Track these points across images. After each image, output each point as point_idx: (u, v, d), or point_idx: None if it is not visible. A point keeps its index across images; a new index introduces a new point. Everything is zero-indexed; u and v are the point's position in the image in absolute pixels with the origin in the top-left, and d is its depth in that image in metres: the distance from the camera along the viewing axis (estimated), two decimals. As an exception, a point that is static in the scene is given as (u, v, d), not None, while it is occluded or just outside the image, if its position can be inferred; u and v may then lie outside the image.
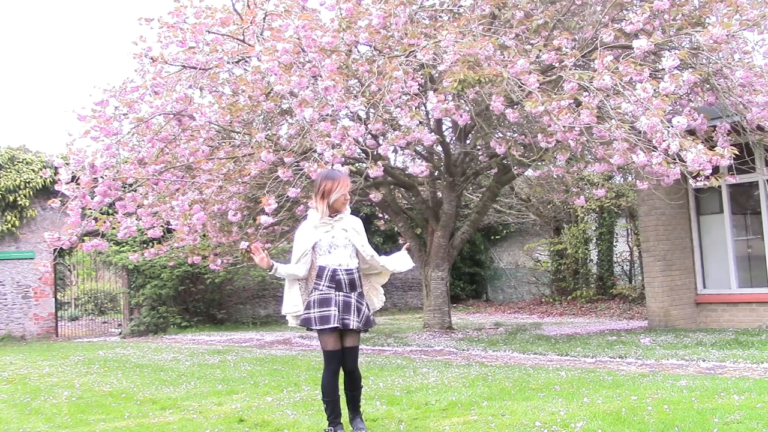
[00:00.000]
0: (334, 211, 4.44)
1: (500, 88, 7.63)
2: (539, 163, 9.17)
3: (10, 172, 16.29)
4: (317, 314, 4.29)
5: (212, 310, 17.20)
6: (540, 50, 7.86)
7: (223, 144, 9.77)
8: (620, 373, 6.40)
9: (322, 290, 4.32)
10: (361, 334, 4.61)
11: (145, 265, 15.79)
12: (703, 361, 6.90)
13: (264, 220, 8.62)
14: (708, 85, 8.25)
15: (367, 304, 4.50)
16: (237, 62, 9.55)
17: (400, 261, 4.71)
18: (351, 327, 4.31)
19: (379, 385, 6.53)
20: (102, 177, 9.06)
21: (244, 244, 10.18)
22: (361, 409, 4.58)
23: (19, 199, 16.23)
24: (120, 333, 16.95)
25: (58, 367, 9.79)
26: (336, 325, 4.26)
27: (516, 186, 16.81)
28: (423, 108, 9.79)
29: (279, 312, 18.81)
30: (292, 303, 4.45)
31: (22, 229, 16.52)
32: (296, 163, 8.50)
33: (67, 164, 9.14)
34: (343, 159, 8.08)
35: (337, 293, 4.32)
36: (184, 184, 9.92)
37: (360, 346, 4.70)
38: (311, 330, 4.40)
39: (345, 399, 4.49)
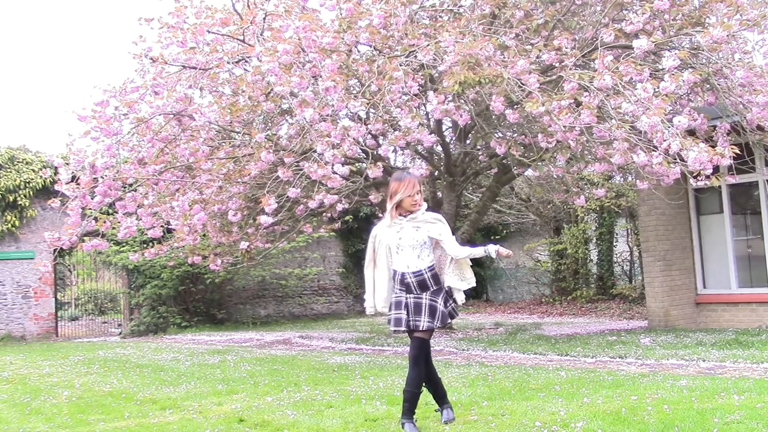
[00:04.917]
0: (404, 211, 4.59)
1: (500, 89, 7.63)
2: (539, 163, 9.16)
3: (10, 172, 16.27)
4: (393, 316, 4.56)
5: (212, 310, 17.20)
6: (540, 50, 7.86)
7: (223, 144, 9.77)
8: (620, 373, 6.40)
9: (396, 293, 4.58)
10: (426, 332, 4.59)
11: (145, 265, 15.78)
12: (703, 361, 6.90)
13: (264, 220, 8.62)
14: (708, 85, 8.25)
15: (445, 300, 4.59)
16: (237, 62, 9.55)
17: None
18: (421, 328, 4.48)
19: (379, 385, 6.53)
20: (102, 177, 9.06)
21: (244, 244, 10.18)
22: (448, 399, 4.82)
23: (19, 199, 16.22)
24: (120, 333, 16.95)
25: (58, 367, 9.79)
26: (404, 328, 4.50)
27: (516, 186, 16.80)
28: (423, 108, 9.78)
29: (279, 312, 18.89)
30: (375, 299, 4.70)
31: (22, 229, 16.50)
32: (296, 163, 8.50)
33: (67, 164, 9.14)
34: (343, 159, 8.08)
35: (407, 296, 4.53)
36: (184, 184, 9.92)
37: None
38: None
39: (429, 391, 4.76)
